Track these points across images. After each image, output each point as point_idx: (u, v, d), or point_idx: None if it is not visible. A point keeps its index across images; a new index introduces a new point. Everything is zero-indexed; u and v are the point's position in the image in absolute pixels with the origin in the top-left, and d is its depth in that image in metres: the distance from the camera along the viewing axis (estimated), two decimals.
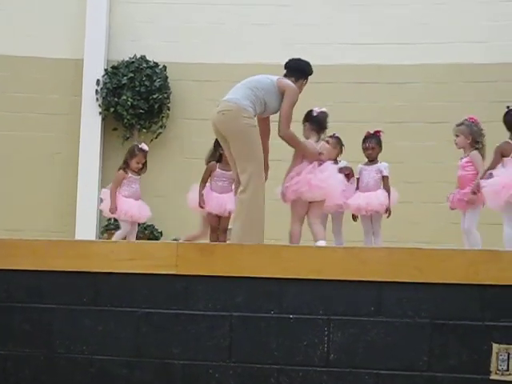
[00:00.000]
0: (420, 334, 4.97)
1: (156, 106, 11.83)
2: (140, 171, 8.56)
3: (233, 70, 10.88)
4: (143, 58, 11.96)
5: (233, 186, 7.53)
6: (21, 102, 11.96)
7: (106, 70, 11.98)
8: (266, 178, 6.81)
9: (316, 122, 7.10)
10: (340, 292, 5.07)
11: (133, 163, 8.47)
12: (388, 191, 8.00)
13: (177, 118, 12.02)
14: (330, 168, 7.04)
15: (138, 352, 5.26)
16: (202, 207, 8.02)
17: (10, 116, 12.00)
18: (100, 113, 11.91)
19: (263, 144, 6.77)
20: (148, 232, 11.19)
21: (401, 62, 11.52)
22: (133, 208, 8.43)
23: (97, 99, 11.89)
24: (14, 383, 5.37)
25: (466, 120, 7.71)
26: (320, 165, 6.91)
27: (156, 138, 11.79)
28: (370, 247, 7.23)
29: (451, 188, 7.82)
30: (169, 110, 11.95)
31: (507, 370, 4.83)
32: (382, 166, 8.06)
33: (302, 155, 6.92)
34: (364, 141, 8.16)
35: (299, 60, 7.14)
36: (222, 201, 7.94)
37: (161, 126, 11.93)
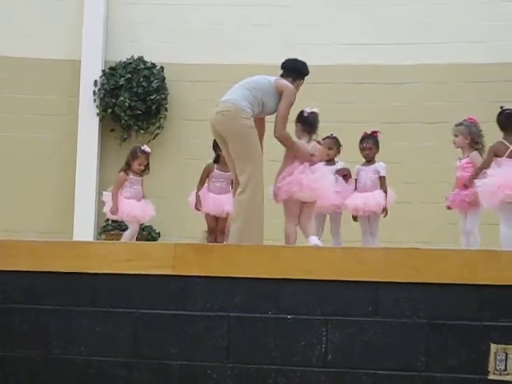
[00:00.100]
0: (417, 334, 4.97)
1: (154, 107, 11.81)
2: (142, 173, 8.52)
3: (231, 70, 10.85)
4: (141, 58, 11.94)
5: (231, 187, 7.53)
6: (18, 102, 11.92)
7: (103, 70, 11.96)
8: None
9: (307, 123, 7.06)
10: (337, 292, 5.08)
11: (135, 165, 8.44)
12: (385, 191, 8.01)
13: (174, 119, 11.99)
14: (321, 169, 7.03)
15: (136, 353, 5.26)
16: (197, 209, 8.02)
17: (8, 117, 11.96)
18: (98, 114, 11.88)
19: None
20: (146, 233, 11.17)
21: (401, 62, 11.49)
22: (135, 208, 8.40)
23: (94, 100, 11.87)
24: None
25: (466, 120, 7.72)
26: (311, 165, 6.89)
27: (154, 138, 11.76)
28: (367, 247, 7.23)
29: (450, 188, 7.83)
30: (166, 110, 11.92)
31: (505, 369, 4.84)
32: (379, 166, 8.06)
33: (293, 155, 6.90)
34: (361, 141, 8.15)
35: (296, 60, 7.14)
36: (220, 202, 7.94)
37: (158, 127, 11.90)
